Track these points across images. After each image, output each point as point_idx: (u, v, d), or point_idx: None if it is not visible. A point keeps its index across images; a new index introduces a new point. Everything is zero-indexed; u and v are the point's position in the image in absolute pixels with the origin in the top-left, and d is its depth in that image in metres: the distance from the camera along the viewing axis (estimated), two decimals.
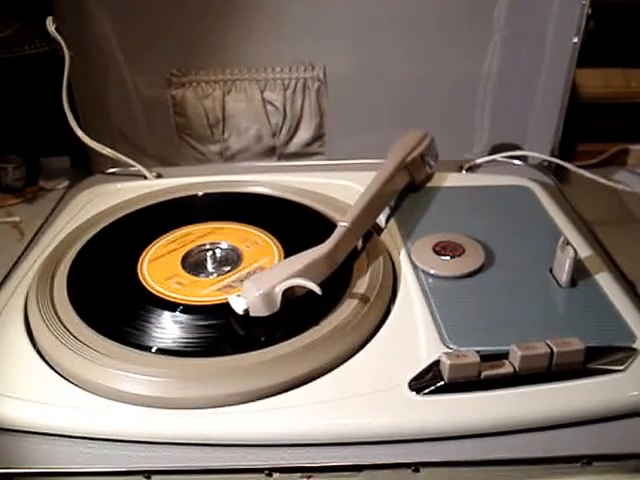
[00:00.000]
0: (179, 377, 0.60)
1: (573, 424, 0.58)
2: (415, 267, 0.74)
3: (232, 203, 0.89)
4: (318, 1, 1.00)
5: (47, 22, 0.95)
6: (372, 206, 0.79)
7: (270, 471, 0.56)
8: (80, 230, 0.83)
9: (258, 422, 0.58)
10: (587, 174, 0.99)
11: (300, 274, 0.67)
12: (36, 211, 1.03)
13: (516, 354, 0.59)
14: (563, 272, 0.70)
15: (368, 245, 0.78)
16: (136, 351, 0.63)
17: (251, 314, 0.66)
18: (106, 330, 0.66)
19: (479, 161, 1.03)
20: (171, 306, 0.69)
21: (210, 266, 0.76)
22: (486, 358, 0.59)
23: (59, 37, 0.95)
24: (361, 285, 0.71)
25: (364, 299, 0.69)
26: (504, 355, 0.60)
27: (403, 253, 0.77)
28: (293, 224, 0.83)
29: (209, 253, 0.78)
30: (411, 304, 0.69)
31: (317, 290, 0.64)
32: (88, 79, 1.02)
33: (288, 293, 0.66)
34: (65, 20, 0.96)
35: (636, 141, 1.19)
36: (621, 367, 0.61)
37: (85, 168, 1.06)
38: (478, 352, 0.59)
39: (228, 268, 0.75)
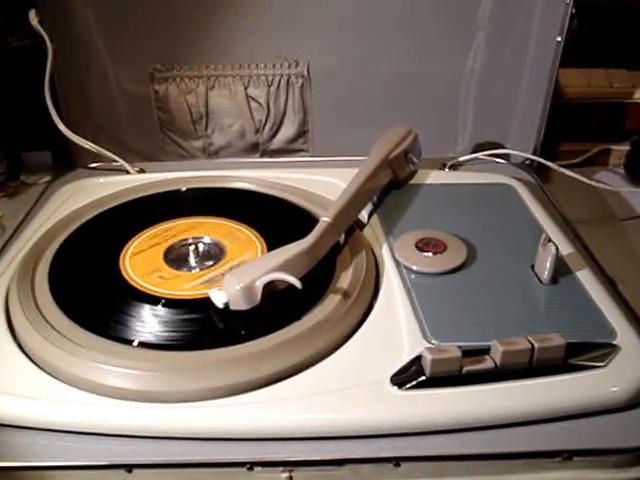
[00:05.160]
0: (161, 371, 0.60)
1: (554, 419, 0.58)
2: (397, 263, 0.74)
3: (215, 198, 0.89)
4: None
5: (30, 15, 0.94)
6: (354, 202, 0.80)
7: (251, 465, 0.56)
8: (62, 224, 0.83)
9: (239, 416, 0.58)
10: (569, 173, 0.99)
11: (281, 268, 0.67)
12: (18, 206, 1.02)
13: (497, 349, 0.59)
14: (545, 269, 0.70)
15: (351, 241, 0.78)
16: (118, 345, 0.63)
17: (231, 308, 0.66)
18: (88, 323, 0.65)
19: (462, 159, 1.04)
20: (153, 300, 0.69)
21: (193, 261, 0.76)
22: (468, 353, 0.59)
23: (42, 30, 0.95)
24: (344, 280, 0.71)
25: (346, 294, 0.69)
26: (485, 350, 0.61)
27: (385, 249, 0.77)
28: (276, 219, 0.83)
29: (192, 248, 0.78)
30: (393, 300, 0.69)
31: (298, 284, 0.64)
32: (71, 73, 1.02)
33: (269, 287, 0.66)
34: (48, 13, 0.96)
35: (618, 141, 1.19)
36: (601, 363, 0.61)
37: (67, 163, 1.05)
38: (460, 347, 0.59)
39: (211, 263, 0.75)
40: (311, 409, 0.58)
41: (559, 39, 0.96)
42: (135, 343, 0.63)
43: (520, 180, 0.93)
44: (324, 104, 1.07)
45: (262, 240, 0.78)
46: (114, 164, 1.02)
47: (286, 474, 0.56)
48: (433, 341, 0.63)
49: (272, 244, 0.76)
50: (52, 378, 0.61)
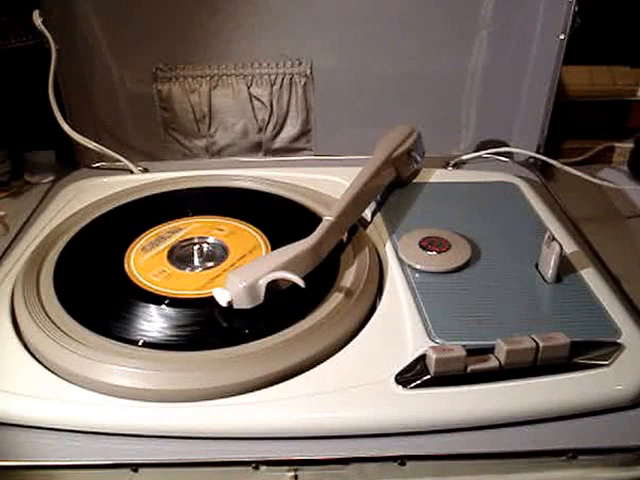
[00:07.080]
0: (166, 370, 0.60)
1: (558, 418, 0.58)
2: (401, 262, 0.74)
3: (219, 198, 0.89)
4: None
5: (34, 15, 0.94)
6: (358, 201, 0.80)
7: (257, 464, 0.56)
8: (66, 224, 0.83)
9: (245, 415, 0.58)
10: (572, 171, 0.99)
11: (284, 267, 0.67)
12: (21, 205, 1.02)
13: (502, 348, 0.59)
14: (549, 268, 0.70)
15: (354, 239, 0.78)
16: (122, 344, 0.63)
17: (235, 306, 0.66)
18: (92, 323, 0.65)
19: (465, 157, 1.04)
20: (157, 299, 0.69)
21: (196, 260, 0.76)
22: (472, 352, 0.59)
23: (46, 30, 0.95)
24: (347, 279, 0.71)
25: (350, 293, 0.69)
26: (490, 349, 0.61)
27: (389, 248, 0.77)
28: (280, 219, 0.83)
29: (196, 247, 0.78)
30: (397, 299, 0.69)
31: (301, 283, 0.64)
32: (74, 73, 1.02)
33: (272, 286, 0.66)
34: (52, 13, 0.96)
35: (622, 139, 1.19)
36: (606, 362, 0.61)
37: (71, 162, 1.06)
38: (464, 346, 0.59)
39: (214, 262, 0.75)
40: (316, 408, 0.58)
41: (562, 37, 0.96)
42: (140, 343, 0.63)
43: (523, 178, 0.93)
44: (327, 103, 1.07)
45: (265, 239, 0.78)
46: (117, 164, 1.02)
47: (292, 473, 0.56)
48: (437, 340, 0.63)
49: (275, 243, 0.76)
50: (57, 377, 0.61)
